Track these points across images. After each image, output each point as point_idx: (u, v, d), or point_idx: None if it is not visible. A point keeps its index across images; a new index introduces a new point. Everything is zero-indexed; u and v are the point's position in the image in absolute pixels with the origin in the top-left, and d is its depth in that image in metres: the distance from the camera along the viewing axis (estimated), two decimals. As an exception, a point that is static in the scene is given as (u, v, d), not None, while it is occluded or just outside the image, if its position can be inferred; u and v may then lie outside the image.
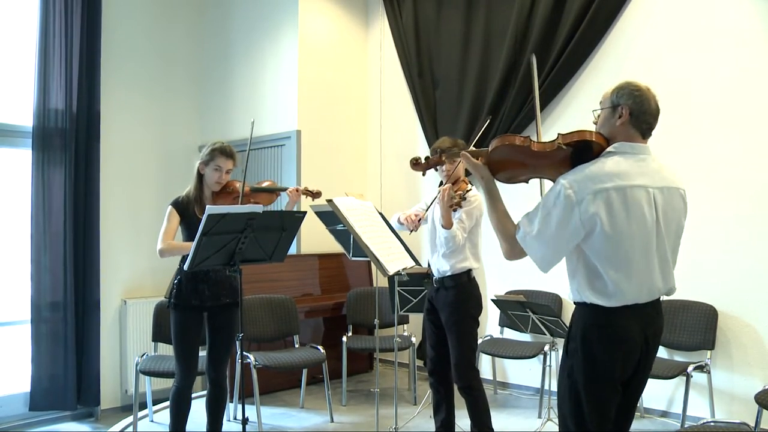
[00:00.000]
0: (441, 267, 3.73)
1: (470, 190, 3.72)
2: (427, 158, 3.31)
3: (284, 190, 3.73)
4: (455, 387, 3.80)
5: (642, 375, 2.33)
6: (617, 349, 2.21)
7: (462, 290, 3.70)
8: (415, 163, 3.32)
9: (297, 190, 3.69)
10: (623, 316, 2.20)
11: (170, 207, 3.58)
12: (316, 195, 3.75)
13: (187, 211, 3.58)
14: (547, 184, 2.45)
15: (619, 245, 2.16)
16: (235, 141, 5.23)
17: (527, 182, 2.42)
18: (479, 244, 3.79)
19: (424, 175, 3.53)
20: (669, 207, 2.25)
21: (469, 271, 3.73)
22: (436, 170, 3.71)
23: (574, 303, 2.31)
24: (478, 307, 3.77)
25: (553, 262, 2.24)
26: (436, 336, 3.82)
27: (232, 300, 3.66)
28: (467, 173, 4.00)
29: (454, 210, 3.45)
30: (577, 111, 5.06)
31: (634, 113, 2.24)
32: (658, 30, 4.66)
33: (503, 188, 2.41)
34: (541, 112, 5.06)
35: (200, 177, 3.64)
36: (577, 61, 5.02)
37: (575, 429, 2.26)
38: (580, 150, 2.23)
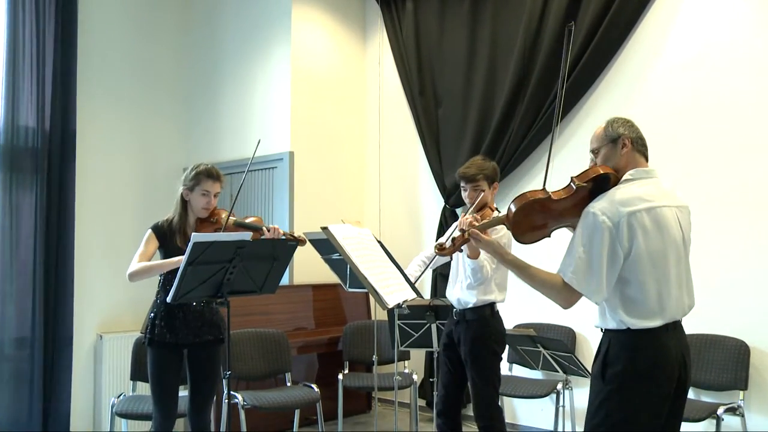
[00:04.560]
0: (463, 298, 3.65)
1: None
2: (453, 239, 2.72)
3: (269, 230, 3.51)
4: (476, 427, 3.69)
5: (682, 395, 2.41)
6: (662, 370, 2.30)
7: (484, 324, 3.63)
8: (441, 249, 2.75)
9: (277, 230, 3.48)
10: (664, 335, 2.31)
11: (149, 231, 3.50)
12: (300, 242, 3.47)
13: (167, 238, 3.48)
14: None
15: (657, 264, 2.31)
16: (223, 163, 5.23)
17: (550, 236, 2.47)
18: (507, 275, 3.67)
19: (451, 259, 3.69)
20: (686, 225, 2.47)
21: (492, 305, 3.66)
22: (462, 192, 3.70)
23: (604, 330, 2.41)
24: (501, 343, 3.71)
25: (605, 293, 2.31)
26: (450, 374, 3.76)
27: (214, 337, 3.56)
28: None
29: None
30: (591, 128, 4.88)
31: (634, 140, 2.46)
32: (675, 44, 4.63)
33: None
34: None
35: (185, 204, 3.54)
36: (591, 76, 4.95)
37: None
38: (599, 184, 2.38)
